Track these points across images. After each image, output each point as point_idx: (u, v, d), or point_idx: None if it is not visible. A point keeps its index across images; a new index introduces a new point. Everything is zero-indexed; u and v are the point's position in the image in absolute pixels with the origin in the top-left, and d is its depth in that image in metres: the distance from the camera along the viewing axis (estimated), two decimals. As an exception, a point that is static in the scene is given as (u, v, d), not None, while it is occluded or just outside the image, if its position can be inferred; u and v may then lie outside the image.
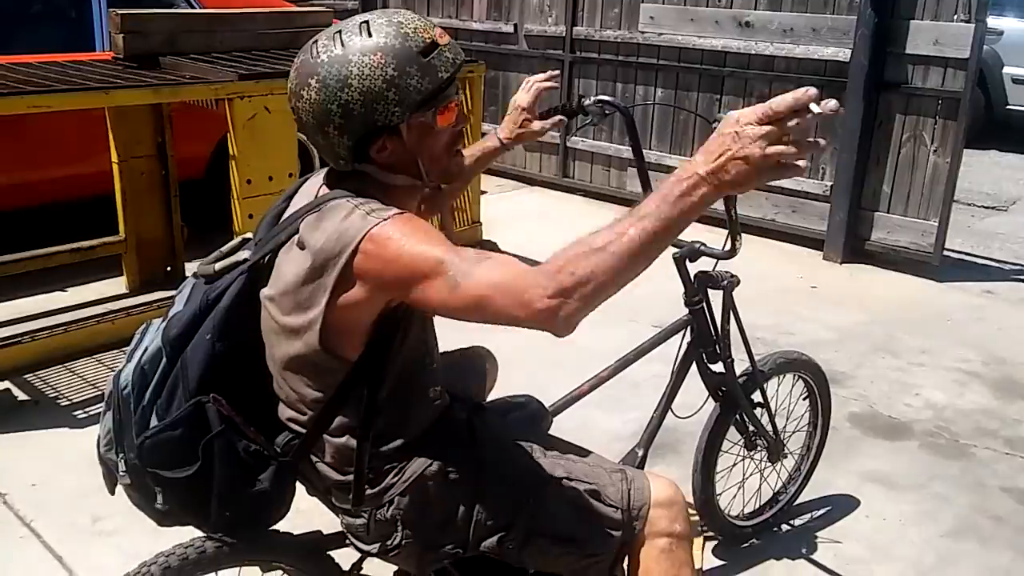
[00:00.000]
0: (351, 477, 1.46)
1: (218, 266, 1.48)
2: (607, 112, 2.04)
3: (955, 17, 4.40)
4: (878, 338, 3.88)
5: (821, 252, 4.94)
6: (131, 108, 3.72)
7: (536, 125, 1.89)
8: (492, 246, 4.56)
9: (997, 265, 5.03)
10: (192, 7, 4.52)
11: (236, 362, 1.45)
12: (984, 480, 2.86)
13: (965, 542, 2.54)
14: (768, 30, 5.01)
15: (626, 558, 1.58)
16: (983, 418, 3.25)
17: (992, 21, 8.14)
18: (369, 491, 1.48)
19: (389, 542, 1.51)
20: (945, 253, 4.74)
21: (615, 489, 1.56)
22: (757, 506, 2.52)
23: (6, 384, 3.07)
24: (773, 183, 5.05)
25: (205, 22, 3.88)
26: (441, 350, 1.59)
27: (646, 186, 2.08)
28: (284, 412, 1.50)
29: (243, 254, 1.48)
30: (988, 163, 7.54)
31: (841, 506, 2.67)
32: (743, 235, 2.06)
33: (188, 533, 1.52)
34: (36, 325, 3.44)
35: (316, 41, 1.37)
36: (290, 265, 1.39)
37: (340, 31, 1.36)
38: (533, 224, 5.35)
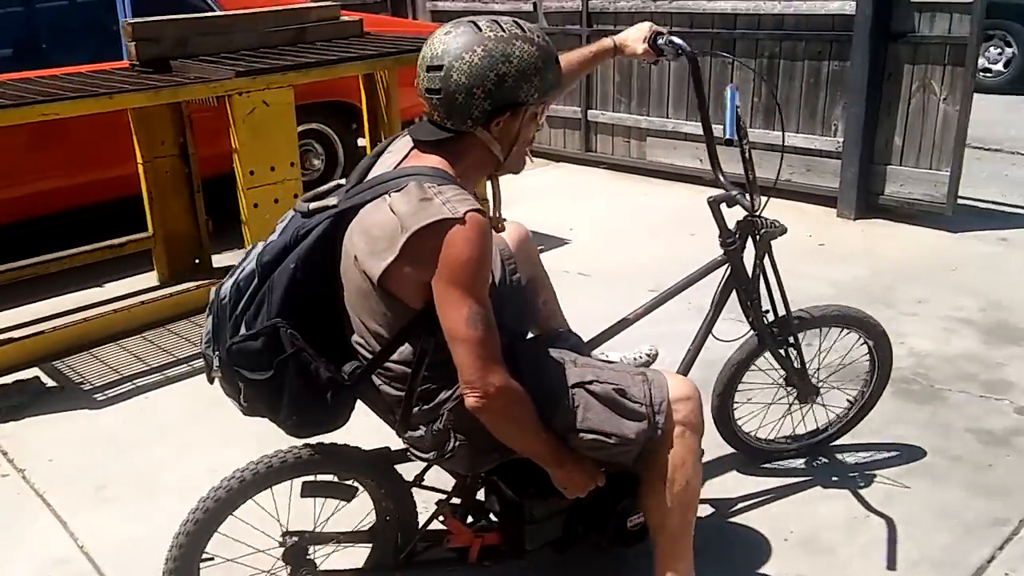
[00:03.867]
0: (403, 392, 1.76)
1: (312, 206, 1.74)
2: (679, 53, 2.19)
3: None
4: (876, 291, 3.89)
5: (836, 209, 4.92)
6: (153, 111, 4.03)
7: (640, 48, 2.22)
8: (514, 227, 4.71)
9: (1019, 211, 4.90)
10: (211, 7, 4.82)
11: (314, 292, 1.73)
12: (951, 422, 2.88)
13: (916, 480, 2.59)
14: (775, -11, 4.99)
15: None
16: (965, 363, 3.25)
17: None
18: (424, 407, 1.77)
19: (445, 447, 1.79)
20: (962, 202, 4.65)
21: (638, 388, 1.83)
22: (779, 434, 2.70)
23: (35, 371, 3.40)
24: (788, 143, 5.08)
25: (213, 25, 4.15)
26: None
27: (708, 131, 2.30)
28: (355, 339, 1.78)
29: (334, 199, 1.73)
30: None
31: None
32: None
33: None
34: (72, 318, 3.78)
35: (474, 21, 1.66)
36: (373, 219, 1.66)
37: (499, 21, 1.67)
38: (559, 198, 5.50)
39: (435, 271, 1.60)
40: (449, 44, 1.64)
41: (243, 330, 1.70)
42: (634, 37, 2.23)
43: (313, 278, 1.72)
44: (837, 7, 4.73)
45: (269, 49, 4.16)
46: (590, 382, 1.82)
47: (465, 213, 1.58)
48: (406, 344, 1.72)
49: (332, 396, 1.74)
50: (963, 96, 4.42)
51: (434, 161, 1.69)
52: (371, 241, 1.65)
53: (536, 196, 5.39)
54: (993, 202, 5.07)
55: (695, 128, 5.46)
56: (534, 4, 6.17)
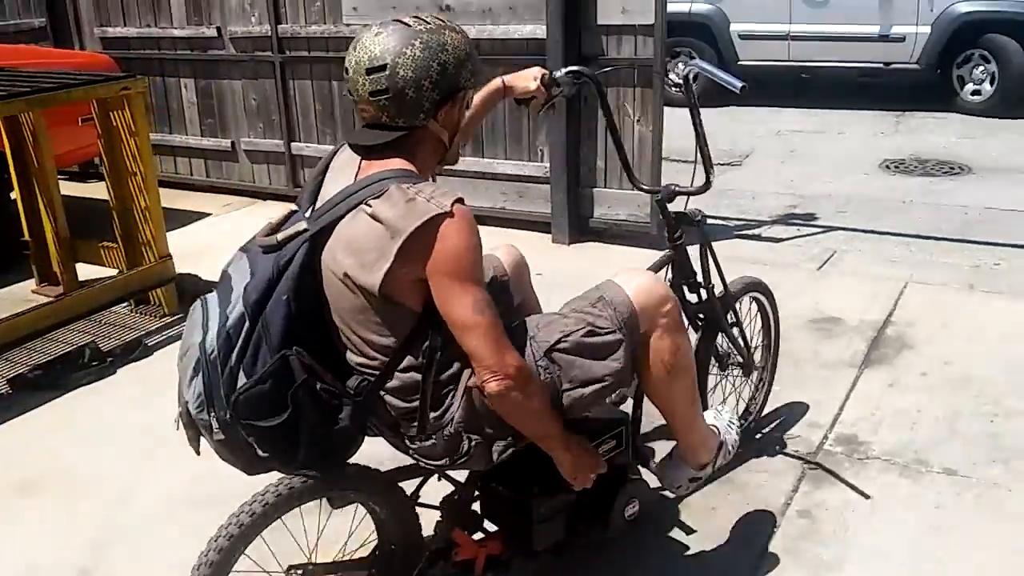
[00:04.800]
0: (414, 404, 1.75)
1: (280, 236, 1.71)
2: (577, 80, 2.30)
3: (637, -16, 4.39)
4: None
5: (551, 235, 4.87)
6: None
7: (532, 85, 2.24)
8: (194, 280, 4.16)
9: (722, 223, 5.14)
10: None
11: (307, 318, 1.70)
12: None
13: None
14: (468, 12, 4.84)
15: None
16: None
17: (717, -19, 8.50)
18: (433, 415, 1.76)
19: (460, 451, 1.79)
20: (665, 220, 4.76)
21: (603, 317, 1.88)
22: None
23: None
24: (498, 170, 4.97)
25: None
26: None
27: (620, 147, 2.54)
28: (353, 359, 1.76)
29: (300, 225, 1.71)
30: (727, 120, 7.80)
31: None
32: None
33: None
34: None
35: (396, 20, 1.69)
36: (354, 232, 1.66)
37: (419, 15, 1.71)
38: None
39: (432, 268, 1.63)
40: (385, 43, 1.66)
41: (242, 379, 1.65)
42: (524, 76, 2.25)
43: (303, 306, 1.70)
44: (530, 31, 4.68)
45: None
46: (558, 343, 1.84)
47: (452, 205, 1.62)
48: (413, 350, 1.72)
49: (349, 415, 1.71)
50: (654, 116, 4.51)
51: (394, 163, 1.72)
52: (358, 254, 1.66)
53: (235, 243, 4.87)
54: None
55: (513, 167, 5.20)
56: (218, 28, 5.63)
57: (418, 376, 1.73)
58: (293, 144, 5.60)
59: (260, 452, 1.68)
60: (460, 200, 1.64)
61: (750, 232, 4.96)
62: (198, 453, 1.76)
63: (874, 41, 7.68)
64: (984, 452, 2.72)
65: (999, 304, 3.80)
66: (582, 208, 4.83)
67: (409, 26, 1.68)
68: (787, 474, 2.66)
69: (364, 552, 2.04)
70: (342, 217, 1.68)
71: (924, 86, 7.95)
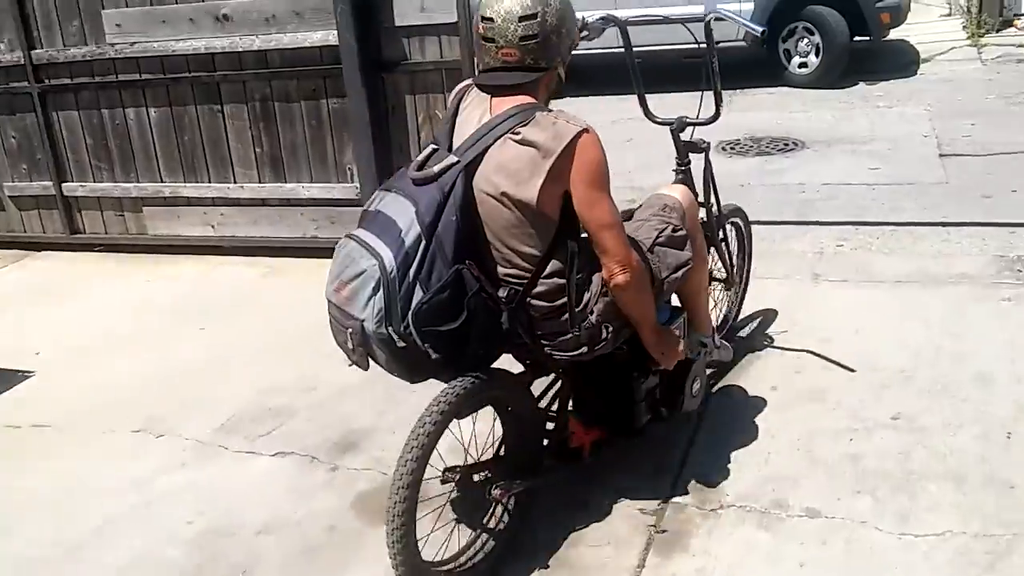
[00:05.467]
0: (559, 303, 2.07)
1: (436, 169, 1.99)
2: (605, 26, 2.50)
3: (434, -22, 3.93)
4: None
5: (371, 262, 4.36)
6: None
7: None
8: None
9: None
10: None
11: (469, 235, 1.99)
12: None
13: None
14: (250, 21, 4.25)
15: None
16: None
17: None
18: (575, 309, 2.08)
19: (600, 338, 2.14)
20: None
21: (674, 218, 2.36)
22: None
23: None
24: (303, 195, 4.43)
25: None
26: None
27: (639, 85, 2.90)
28: (503, 271, 2.07)
29: (451, 158, 2.00)
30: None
31: None
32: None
33: None
34: None
35: None
36: (506, 156, 1.99)
37: None
38: (26, 308, 4.25)
39: (574, 178, 1.98)
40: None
41: (418, 293, 1.91)
42: None
43: (467, 223, 1.97)
44: (321, 38, 4.13)
45: None
46: (657, 239, 2.29)
47: (586, 125, 2.01)
48: (557, 256, 2.04)
49: (508, 318, 2.01)
50: (469, 123, 4.07)
51: (525, 100, 2.03)
52: (512, 174, 1.97)
53: (11, 307, 4.14)
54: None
55: (198, 190, 4.59)
56: (-38, 59, 4.81)
57: (561, 280, 2.04)
58: (65, 185, 4.84)
59: (433, 356, 1.93)
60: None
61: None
62: (366, 369, 2.06)
63: (699, 22, 7.51)
64: (847, 482, 2.41)
65: (846, 293, 3.57)
66: (403, 230, 4.34)
67: None
68: (632, 544, 2.27)
69: (490, 454, 2.30)
70: (490, 146, 1.98)
71: (753, 62, 7.86)
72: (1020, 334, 3.10)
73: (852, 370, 2.94)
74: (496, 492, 2.16)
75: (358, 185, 4.28)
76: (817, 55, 7.42)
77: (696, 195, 2.69)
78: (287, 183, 4.46)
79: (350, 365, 2.09)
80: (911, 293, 3.49)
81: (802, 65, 7.52)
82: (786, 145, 6.01)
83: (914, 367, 2.93)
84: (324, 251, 4.66)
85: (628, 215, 2.42)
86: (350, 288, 1.97)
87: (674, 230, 2.33)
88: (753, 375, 3.00)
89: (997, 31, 8.46)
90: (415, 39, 4.04)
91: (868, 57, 7.76)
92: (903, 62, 7.93)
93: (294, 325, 3.64)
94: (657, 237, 2.29)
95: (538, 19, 1.97)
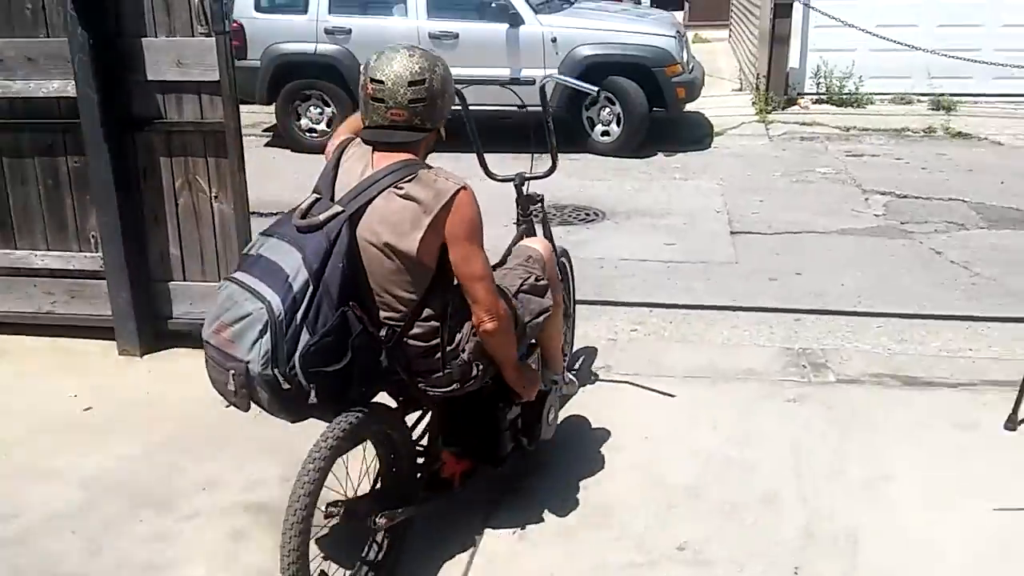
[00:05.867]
0: (432, 343, 2.24)
1: (322, 217, 2.10)
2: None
3: (194, 30, 3.47)
4: (149, 482, 2.82)
5: (116, 343, 3.77)
6: None
7: None
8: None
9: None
10: None
11: (353, 280, 2.12)
12: None
13: None
14: (-27, 63, 3.61)
15: None
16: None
17: (341, 20, 7.81)
18: (448, 348, 2.26)
19: (470, 375, 2.32)
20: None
21: (536, 268, 2.60)
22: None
23: None
24: (38, 264, 3.80)
25: None
26: None
27: (478, 147, 3.19)
28: (383, 313, 2.21)
29: (336, 208, 2.13)
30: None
31: None
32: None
33: None
34: None
35: (411, 47, 2.22)
36: (389, 209, 2.14)
37: (415, 46, 2.29)
38: None
39: (451, 233, 2.16)
40: (421, 63, 2.16)
41: (305, 335, 2.00)
42: None
43: (352, 270, 2.11)
44: (59, 88, 3.55)
45: None
46: (521, 287, 2.52)
47: (464, 183, 2.19)
48: (431, 301, 2.20)
49: (387, 357, 2.16)
50: (235, 193, 3.62)
51: (407, 156, 2.20)
52: (395, 226, 2.12)
53: None
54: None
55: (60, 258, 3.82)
56: None
57: (436, 323, 2.22)
58: None
59: (314, 399, 2.02)
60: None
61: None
62: (246, 410, 2.11)
63: (532, 85, 7.42)
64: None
65: (637, 393, 3.38)
66: (158, 307, 3.79)
67: (427, 51, 2.22)
68: None
69: (366, 488, 2.37)
70: (373, 199, 2.14)
71: (559, 127, 7.85)
72: (804, 437, 3.02)
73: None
74: (381, 521, 2.24)
75: (101, 255, 3.70)
76: (619, 124, 7.50)
77: (554, 248, 2.93)
78: (17, 250, 3.80)
79: (227, 407, 2.12)
80: (700, 392, 3.35)
81: (604, 133, 7.57)
82: (587, 215, 5.96)
83: (704, 484, 2.76)
84: (65, 328, 4.06)
85: (497, 264, 2.60)
86: (232, 331, 2.02)
87: (536, 279, 2.55)
88: (532, 505, 2.70)
89: (783, 108, 8.94)
90: (171, 95, 3.55)
91: (667, 127, 7.95)
92: (698, 135, 8.17)
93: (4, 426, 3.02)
94: (521, 285, 2.50)
95: (426, 84, 2.14)
